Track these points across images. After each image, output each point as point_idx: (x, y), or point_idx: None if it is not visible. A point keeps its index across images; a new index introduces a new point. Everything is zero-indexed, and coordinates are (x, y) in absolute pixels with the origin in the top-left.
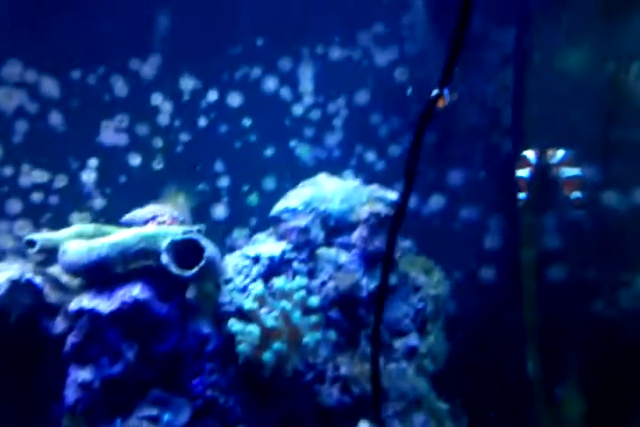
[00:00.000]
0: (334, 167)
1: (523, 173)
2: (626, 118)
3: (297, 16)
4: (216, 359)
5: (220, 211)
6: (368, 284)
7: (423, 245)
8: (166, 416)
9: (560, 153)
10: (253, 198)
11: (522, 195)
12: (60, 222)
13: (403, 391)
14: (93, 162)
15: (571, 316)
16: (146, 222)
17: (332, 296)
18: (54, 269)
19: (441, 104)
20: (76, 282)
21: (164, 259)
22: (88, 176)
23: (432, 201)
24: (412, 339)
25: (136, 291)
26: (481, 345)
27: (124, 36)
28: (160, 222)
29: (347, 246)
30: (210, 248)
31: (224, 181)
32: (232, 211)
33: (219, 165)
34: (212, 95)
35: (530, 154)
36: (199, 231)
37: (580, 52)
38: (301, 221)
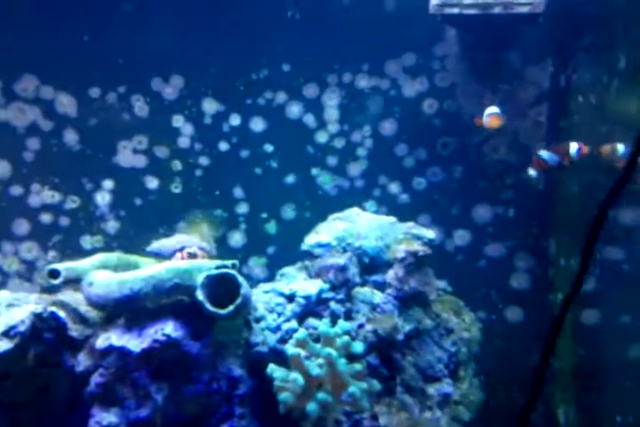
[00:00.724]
0: (356, 198)
1: (544, 154)
2: None
3: (325, 42)
4: (247, 404)
5: (237, 238)
6: (404, 326)
7: (448, 281)
8: None
9: (620, 147)
10: (272, 226)
11: (533, 172)
12: (69, 245)
13: None
14: (108, 183)
15: (606, 362)
16: (174, 253)
17: (370, 340)
18: (65, 297)
19: (495, 124)
20: (95, 314)
21: (200, 296)
22: (102, 198)
23: (457, 236)
24: (446, 385)
25: (169, 328)
26: (507, 389)
27: (147, 55)
28: (190, 253)
29: (381, 285)
30: (245, 285)
31: (242, 208)
32: (249, 238)
33: (238, 191)
34: (235, 119)
35: (574, 145)
36: (233, 266)
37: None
38: (339, 259)
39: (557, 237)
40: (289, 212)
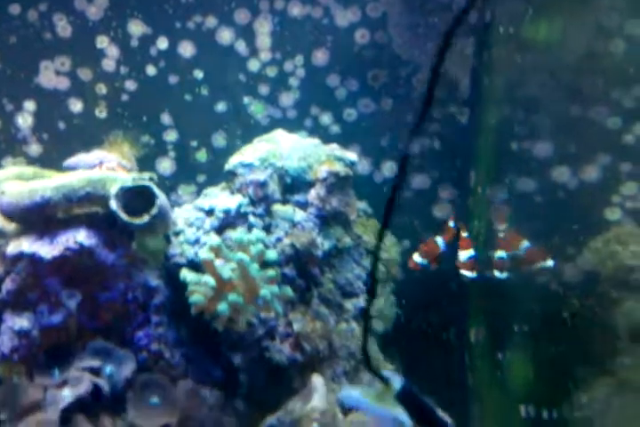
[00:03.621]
0: (288, 128)
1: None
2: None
3: None
4: (163, 312)
5: (165, 166)
6: (323, 243)
7: (375, 211)
8: (108, 368)
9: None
10: (202, 155)
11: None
12: None
13: (352, 351)
14: (30, 105)
15: (515, 285)
16: (92, 168)
17: (287, 253)
18: None
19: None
20: (11, 226)
21: (113, 205)
22: (24, 119)
23: (385, 168)
24: (363, 301)
25: (81, 236)
26: (425, 310)
27: None
28: (108, 168)
29: (303, 205)
30: (162, 197)
31: (171, 135)
32: (178, 166)
33: (166, 118)
34: (162, 43)
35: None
36: (151, 179)
37: (551, 24)
38: (259, 175)
39: (476, 168)
40: (220, 140)
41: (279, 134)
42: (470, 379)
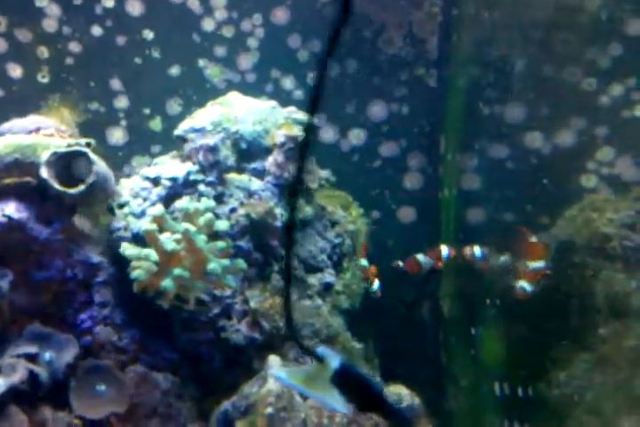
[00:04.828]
0: (248, 92)
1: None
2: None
3: None
4: (108, 292)
5: (117, 135)
6: (282, 214)
7: (342, 181)
8: (47, 354)
9: (477, 250)
10: (156, 123)
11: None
12: None
13: (316, 329)
14: None
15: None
16: (28, 134)
17: (242, 224)
18: None
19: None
20: None
21: (44, 173)
22: None
23: (352, 136)
24: (328, 275)
25: (10, 209)
26: (395, 285)
27: None
28: (45, 135)
29: (260, 173)
30: (100, 164)
31: (122, 102)
32: (131, 136)
33: (115, 83)
34: (109, 0)
35: (444, 249)
36: (88, 145)
37: None
38: (209, 140)
39: (446, 134)
40: (174, 107)
41: (234, 97)
42: (444, 356)
